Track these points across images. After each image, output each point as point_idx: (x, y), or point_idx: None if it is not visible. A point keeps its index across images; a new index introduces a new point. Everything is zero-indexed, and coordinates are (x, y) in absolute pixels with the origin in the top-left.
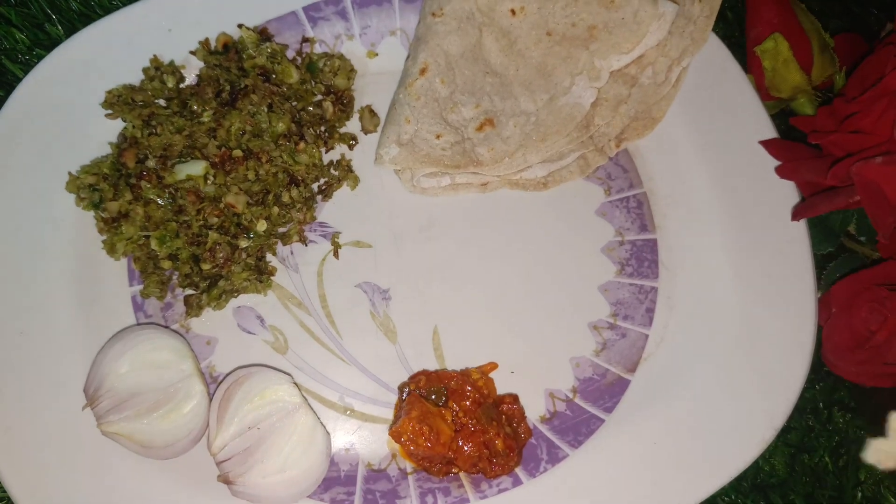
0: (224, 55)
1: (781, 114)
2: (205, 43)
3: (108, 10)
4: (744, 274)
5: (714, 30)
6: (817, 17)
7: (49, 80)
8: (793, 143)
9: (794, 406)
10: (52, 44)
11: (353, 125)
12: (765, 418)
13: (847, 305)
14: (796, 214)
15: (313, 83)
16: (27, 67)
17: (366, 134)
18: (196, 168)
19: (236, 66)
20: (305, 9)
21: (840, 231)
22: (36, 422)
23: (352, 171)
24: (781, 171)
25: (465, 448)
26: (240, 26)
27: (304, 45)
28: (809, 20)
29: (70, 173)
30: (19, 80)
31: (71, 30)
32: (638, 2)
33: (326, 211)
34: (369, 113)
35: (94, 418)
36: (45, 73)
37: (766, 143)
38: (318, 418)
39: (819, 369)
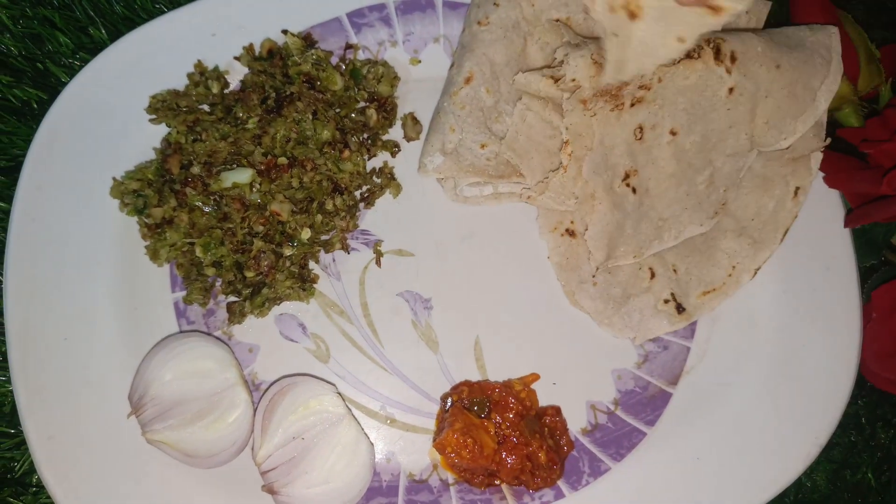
0: (269, 61)
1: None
2: (249, 48)
3: (151, 13)
4: (788, 287)
5: None
6: (863, 27)
7: (93, 85)
8: (840, 155)
9: (838, 422)
10: (95, 47)
11: (395, 132)
12: (809, 434)
13: (889, 311)
14: (849, 221)
15: (357, 90)
16: (71, 71)
17: (408, 141)
18: (243, 176)
19: (281, 72)
20: (349, 15)
21: (883, 243)
22: (79, 429)
23: (394, 179)
24: (830, 181)
25: (508, 461)
26: (284, 32)
27: (347, 51)
28: (856, 31)
29: (114, 178)
30: (63, 83)
31: (115, 33)
32: None
33: (368, 219)
34: (412, 120)
35: (138, 426)
36: (90, 77)
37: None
38: (362, 429)
39: (863, 384)
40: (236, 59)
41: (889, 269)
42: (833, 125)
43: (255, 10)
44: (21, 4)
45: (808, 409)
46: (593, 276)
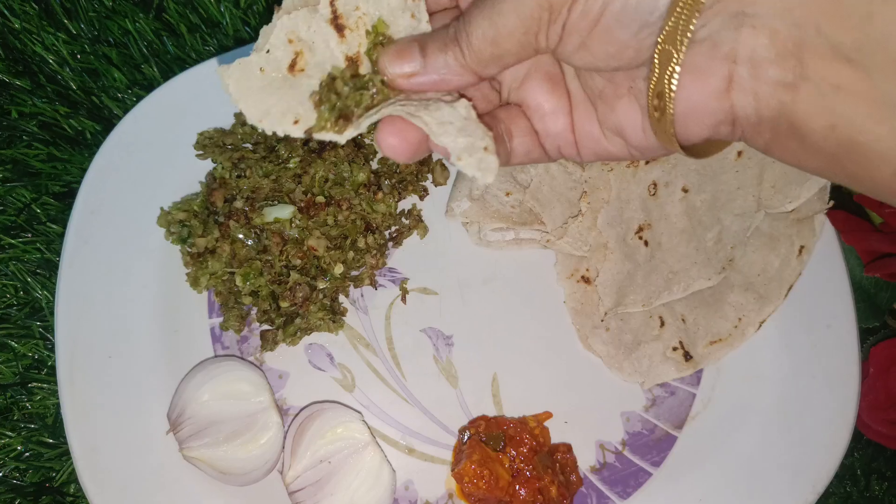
0: None
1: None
2: None
3: (201, 55)
4: (790, 342)
5: None
6: None
7: (146, 120)
8: (856, 218)
9: (835, 473)
10: (147, 84)
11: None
12: (807, 483)
13: (884, 367)
14: (869, 270)
15: None
16: (124, 105)
17: (436, 186)
18: (285, 212)
19: None
20: None
21: (885, 308)
22: (120, 443)
23: (422, 221)
24: (847, 238)
25: (522, 493)
26: None
27: None
28: None
29: (161, 208)
30: (116, 116)
31: (166, 72)
32: None
33: (396, 257)
34: (440, 167)
35: (175, 443)
36: (143, 112)
37: (830, 215)
38: (385, 456)
39: (859, 438)
40: None
41: (889, 332)
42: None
43: None
44: (81, 41)
45: (806, 459)
46: (602, 321)
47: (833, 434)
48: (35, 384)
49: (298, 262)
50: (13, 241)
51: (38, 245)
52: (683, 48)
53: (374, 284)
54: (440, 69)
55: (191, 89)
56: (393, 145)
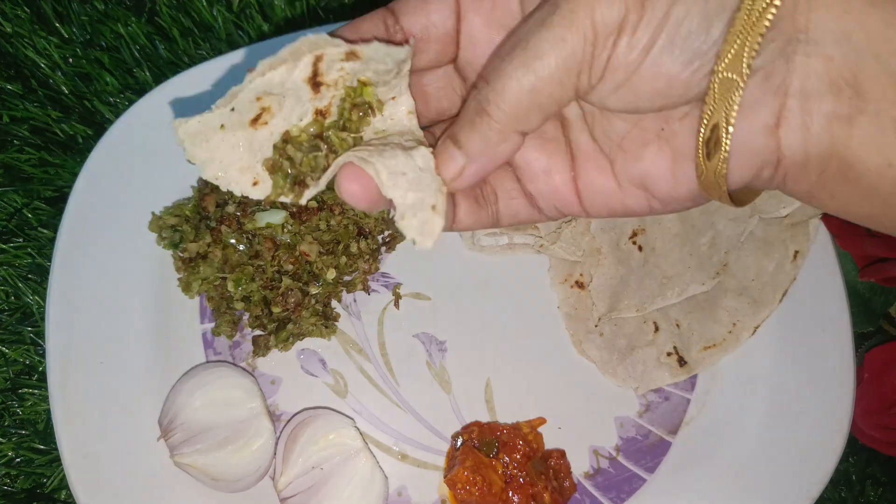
0: None
1: None
2: None
3: (194, 59)
4: (785, 346)
5: None
6: None
7: (138, 124)
8: (849, 222)
9: (829, 478)
10: (140, 88)
11: None
12: (801, 489)
13: (878, 371)
14: (864, 274)
15: None
16: (116, 109)
17: None
18: (276, 217)
19: None
20: None
21: (881, 313)
22: (111, 449)
23: None
24: (842, 244)
25: (515, 499)
26: None
27: None
28: None
29: (153, 213)
30: (108, 120)
31: (159, 76)
32: None
33: (389, 262)
34: None
35: (166, 449)
36: (135, 116)
37: (825, 220)
38: (378, 462)
39: (854, 443)
40: None
41: (884, 336)
42: None
43: None
44: (73, 45)
45: (801, 465)
46: (596, 326)
47: (828, 439)
48: (26, 390)
49: (290, 267)
50: (4, 247)
51: (30, 250)
52: (745, 75)
53: (366, 289)
54: (482, 150)
55: (183, 93)
56: (353, 192)
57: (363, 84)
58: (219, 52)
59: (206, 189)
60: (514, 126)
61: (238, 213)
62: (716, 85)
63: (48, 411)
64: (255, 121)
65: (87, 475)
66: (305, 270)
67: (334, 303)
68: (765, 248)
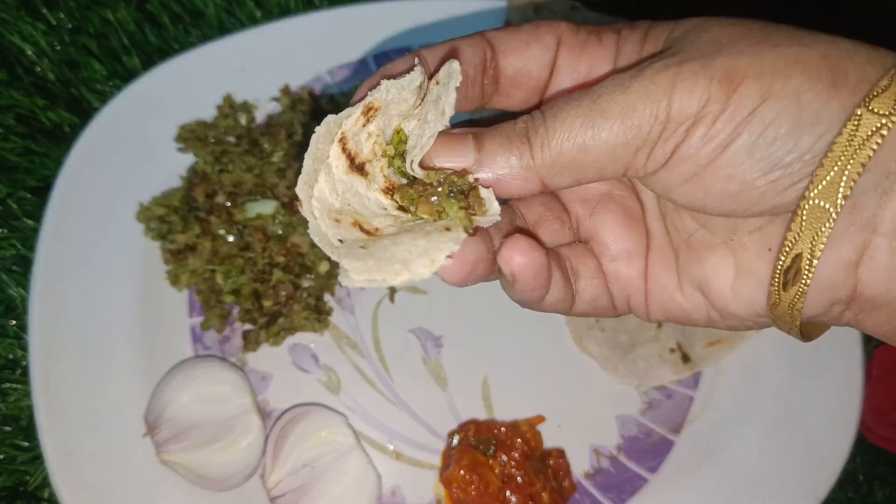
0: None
1: None
2: (286, 90)
3: (184, 45)
4: (791, 343)
5: None
6: None
7: (125, 112)
8: None
9: (837, 478)
10: (129, 75)
11: None
12: (808, 489)
13: (889, 370)
14: None
15: None
16: (104, 97)
17: None
18: (267, 207)
19: (310, 109)
20: (376, 56)
21: None
22: (95, 446)
23: None
24: None
25: (512, 499)
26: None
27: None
28: None
29: (141, 203)
30: (95, 108)
31: (148, 63)
32: None
33: None
34: None
35: (152, 446)
36: (122, 104)
37: None
38: (371, 461)
39: (862, 442)
40: (275, 99)
41: None
42: None
43: (284, 48)
44: (59, 31)
45: (808, 465)
46: (597, 321)
47: (835, 438)
48: (8, 385)
49: (282, 259)
50: None
51: (13, 241)
52: (840, 205)
53: None
54: (498, 168)
55: (172, 80)
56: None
57: (398, 135)
58: (210, 39)
59: (195, 179)
60: (544, 172)
61: (228, 204)
62: (804, 212)
63: (31, 407)
64: (369, 234)
65: (70, 473)
66: (297, 263)
67: (327, 296)
68: None
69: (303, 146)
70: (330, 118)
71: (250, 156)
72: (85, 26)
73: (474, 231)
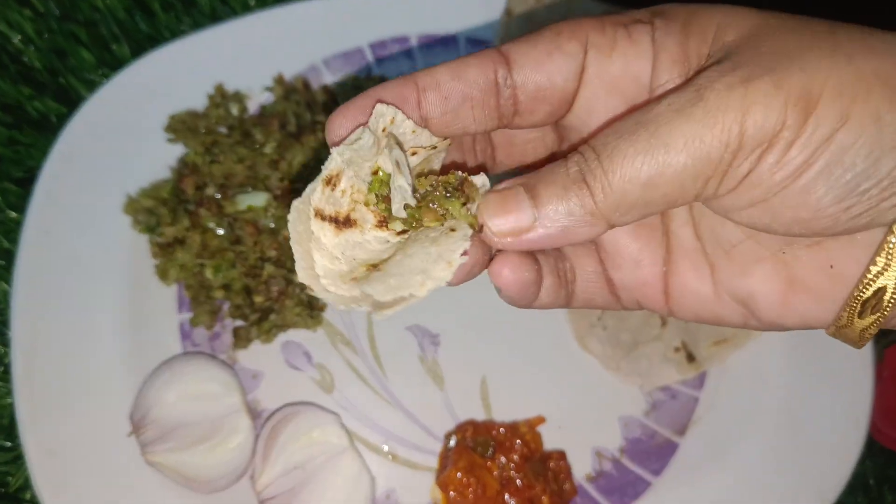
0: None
1: None
2: (280, 79)
3: (175, 33)
4: (799, 342)
5: None
6: None
7: (114, 101)
8: None
9: (846, 482)
10: (118, 64)
11: None
12: (816, 493)
13: None
14: None
15: None
16: (92, 86)
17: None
18: (258, 199)
19: (305, 100)
20: (372, 46)
21: None
22: (79, 446)
23: None
24: None
25: (511, 502)
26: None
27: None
28: None
29: (129, 195)
30: (83, 97)
31: (138, 51)
32: None
33: None
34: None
35: (138, 446)
36: (111, 93)
37: None
38: (364, 462)
39: (872, 445)
40: (268, 89)
41: None
42: None
43: (277, 36)
44: (47, 18)
45: (816, 468)
46: (599, 319)
47: (844, 441)
48: None
49: (273, 253)
50: None
51: None
52: None
53: None
54: (561, 220)
55: (162, 69)
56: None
57: (377, 177)
58: (201, 27)
59: (185, 170)
60: (609, 214)
61: (218, 196)
62: (892, 246)
63: (13, 405)
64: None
65: (52, 474)
66: (290, 257)
67: None
68: None
69: (296, 137)
70: (296, 203)
71: (242, 147)
72: (73, 14)
73: (480, 227)
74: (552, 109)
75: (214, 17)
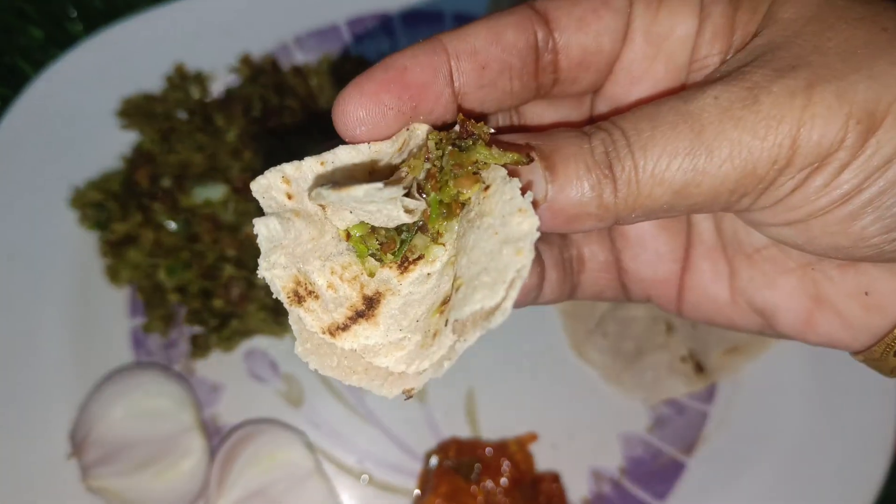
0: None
1: None
2: (245, 59)
3: (134, 9)
4: (819, 354)
5: None
6: None
7: (62, 82)
8: None
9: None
10: (70, 43)
11: None
12: None
13: None
14: None
15: None
16: (40, 67)
17: None
18: (215, 192)
19: (273, 82)
20: (349, 23)
21: None
22: (13, 471)
23: None
24: None
25: None
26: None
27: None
28: None
29: (76, 187)
30: (31, 79)
31: (92, 29)
32: None
33: None
34: None
35: (78, 470)
36: (59, 74)
37: None
38: (333, 487)
39: None
40: (234, 70)
41: None
42: None
43: (245, 12)
44: None
45: (838, 488)
46: (598, 325)
47: (868, 459)
48: None
49: (234, 252)
50: None
51: None
52: None
53: None
54: (570, 203)
55: (116, 47)
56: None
57: (351, 238)
58: (160, 3)
59: (138, 159)
60: (624, 213)
61: (173, 189)
62: None
63: None
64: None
65: None
66: (252, 256)
67: None
68: None
69: (262, 123)
70: (304, 352)
71: (202, 133)
72: None
73: (529, 158)
74: (595, 78)
75: None
